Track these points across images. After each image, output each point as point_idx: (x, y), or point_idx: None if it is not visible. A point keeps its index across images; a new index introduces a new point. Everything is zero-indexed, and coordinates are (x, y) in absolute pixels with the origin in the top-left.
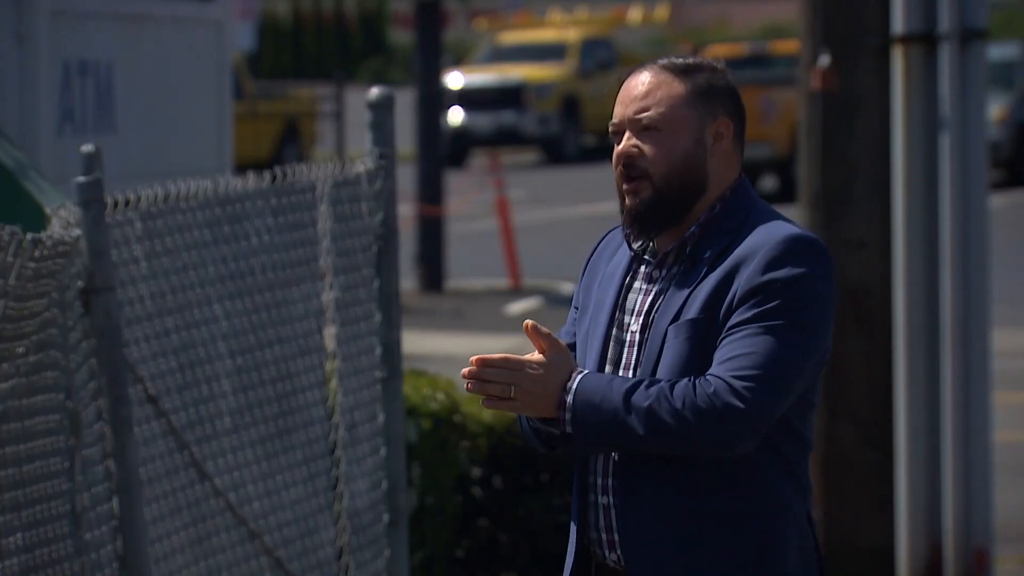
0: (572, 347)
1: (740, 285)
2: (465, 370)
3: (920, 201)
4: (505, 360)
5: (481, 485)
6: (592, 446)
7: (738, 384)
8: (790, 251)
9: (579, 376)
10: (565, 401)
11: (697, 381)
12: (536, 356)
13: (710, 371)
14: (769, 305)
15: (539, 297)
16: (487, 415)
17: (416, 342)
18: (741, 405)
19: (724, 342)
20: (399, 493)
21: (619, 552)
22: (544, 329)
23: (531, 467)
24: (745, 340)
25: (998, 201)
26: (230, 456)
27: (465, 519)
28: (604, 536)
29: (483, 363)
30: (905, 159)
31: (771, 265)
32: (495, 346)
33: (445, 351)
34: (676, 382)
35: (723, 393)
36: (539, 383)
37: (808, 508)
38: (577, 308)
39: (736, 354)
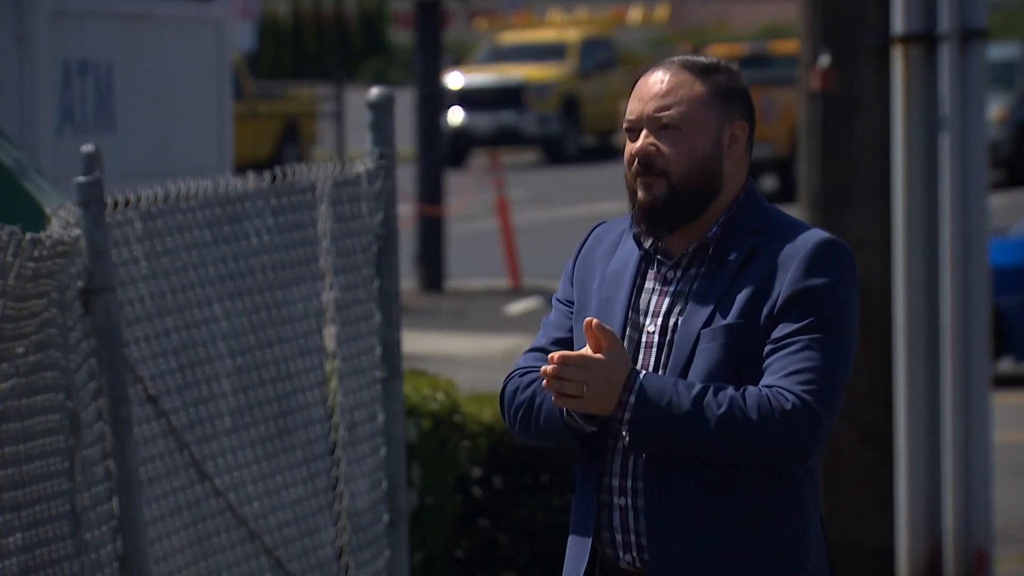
0: (563, 341)
1: (781, 291)
2: (547, 368)
3: (920, 201)
4: (582, 358)
5: (481, 485)
6: (648, 446)
7: (811, 399)
8: (827, 256)
9: (640, 376)
10: (627, 401)
11: (770, 393)
12: (595, 354)
13: (776, 383)
14: (818, 314)
15: (539, 297)
16: (487, 415)
17: (416, 342)
18: (814, 419)
19: (780, 353)
20: (399, 493)
21: (635, 553)
22: (607, 327)
23: (531, 467)
24: (804, 352)
25: (998, 201)
26: (230, 456)
27: (465, 519)
28: (620, 537)
29: (564, 361)
30: (905, 159)
31: (811, 271)
32: (495, 346)
33: (445, 351)
34: (745, 390)
35: (799, 408)
36: (605, 381)
37: (819, 509)
38: (570, 302)
39: (800, 367)
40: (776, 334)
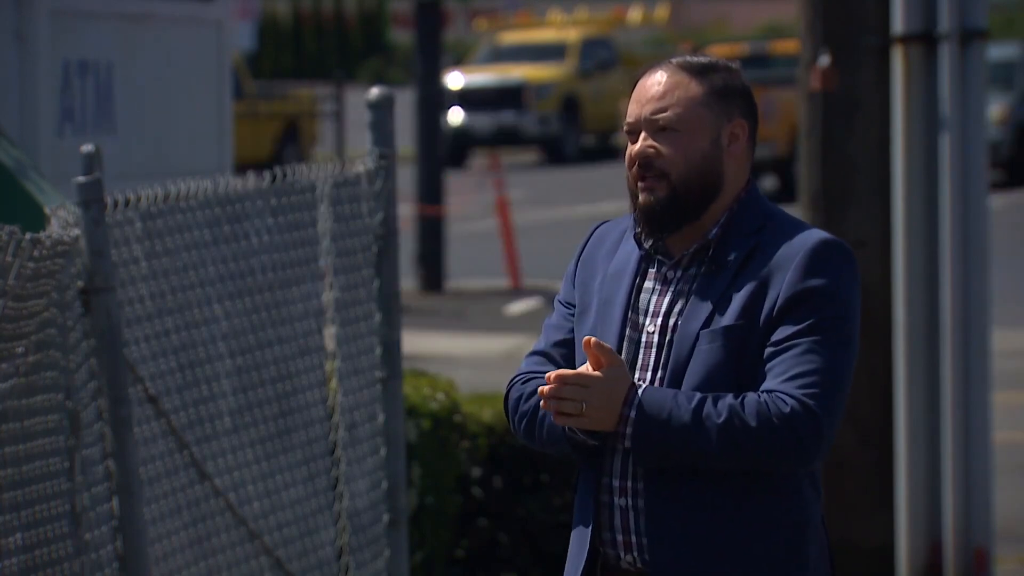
0: (564, 343)
1: (781, 292)
2: (544, 388)
3: (920, 201)
4: (579, 376)
5: (481, 485)
6: (652, 460)
7: (811, 403)
8: (827, 257)
9: (640, 391)
10: (628, 416)
11: (769, 399)
12: (592, 371)
13: (776, 388)
14: (818, 316)
15: (539, 297)
16: (487, 415)
17: (416, 342)
18: (815, 422)
19: (780, 357)
20: (399, 493)
21: (636, 554)
22: (605, 344)
23: (531, 467)
24: (805, 356)
25: (998, 201)
26: (230, 456)
27: (465, 519)
28: (620, 537)
29: (561, 380)
30: (905, 159)
31: (811, 272)
32: (495, 346)
33: (445, 351)
34: (744, 398)
35: (799, 411)
36: (605, 398)
37: (821, 510)
38: (571, 304)
39: (800, 371)
40: (776, 336)
